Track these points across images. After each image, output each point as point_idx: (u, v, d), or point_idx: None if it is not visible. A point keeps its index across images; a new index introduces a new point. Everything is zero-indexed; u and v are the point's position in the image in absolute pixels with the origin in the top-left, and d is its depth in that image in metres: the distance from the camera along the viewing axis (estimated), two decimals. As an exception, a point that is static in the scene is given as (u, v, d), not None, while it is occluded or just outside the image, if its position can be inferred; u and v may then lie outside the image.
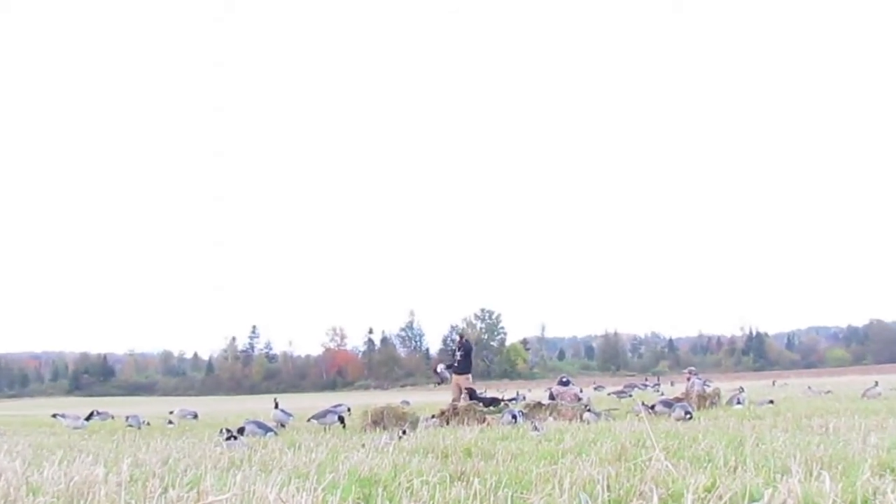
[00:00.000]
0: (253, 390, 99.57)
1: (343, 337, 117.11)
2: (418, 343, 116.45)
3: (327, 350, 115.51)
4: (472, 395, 13.10)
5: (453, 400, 12.77)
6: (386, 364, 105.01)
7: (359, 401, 35.19)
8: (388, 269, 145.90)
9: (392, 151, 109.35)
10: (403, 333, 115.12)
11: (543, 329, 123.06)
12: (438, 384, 14.39)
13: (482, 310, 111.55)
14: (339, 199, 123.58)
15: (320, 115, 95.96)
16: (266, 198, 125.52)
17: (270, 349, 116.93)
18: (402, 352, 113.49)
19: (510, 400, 18.23)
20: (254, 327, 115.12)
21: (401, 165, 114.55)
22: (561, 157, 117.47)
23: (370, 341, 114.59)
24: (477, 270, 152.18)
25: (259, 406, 30.56)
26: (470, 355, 13.59)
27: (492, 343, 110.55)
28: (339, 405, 15.66)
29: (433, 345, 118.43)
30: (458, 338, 14.10)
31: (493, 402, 13.30)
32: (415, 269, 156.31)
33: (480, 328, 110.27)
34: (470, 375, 13.50)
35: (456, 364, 13.63)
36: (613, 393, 18.59)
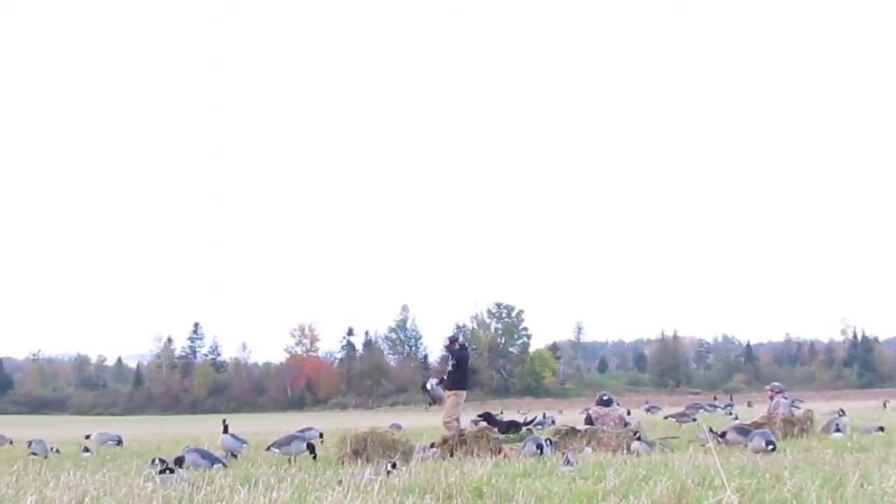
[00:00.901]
0: (195, 408, 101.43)
1: (314, 339, 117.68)
2: (414, 348, 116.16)
3: (293, 357, 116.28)
4: (488, 418, 13.15)
5: (445, 423, 12.87)
6: (370, 375, 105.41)
7: (334, 424, 35.55)
8: (375, 253, 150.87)
9: (395, 141, 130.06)
10: (394, 335, 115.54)
11: (579, 331, 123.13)
12: (430, 405, 14.43)
13: (498, 305, 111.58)
14: (324, 184, 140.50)
15: (319, 112, 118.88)
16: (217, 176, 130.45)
17: (218, 355, 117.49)
18: (391, 359, 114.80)
19: (535, 424, 18.35)
20: (196, 326, 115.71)
21: (402, 155, 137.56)
22: (595, 145, 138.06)
23: (349, 345, 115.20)
24: (491, 258, 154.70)
25: (203, 429, 30.89)
26: (464, 365, 13.56)
27: (510, 349, 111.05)
28: (309, 429, 15.79)
29: (434, 350, 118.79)
30: (447, 341, 13.99)
31: (512, 427, 13.36)
32: (410, 254, 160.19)
33: (496, 329, 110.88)
34: (463, 392, 13.45)
35: (446, 376, 13.71)
36: (672, 416, 18.69)
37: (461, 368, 13.36)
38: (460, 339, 13.78)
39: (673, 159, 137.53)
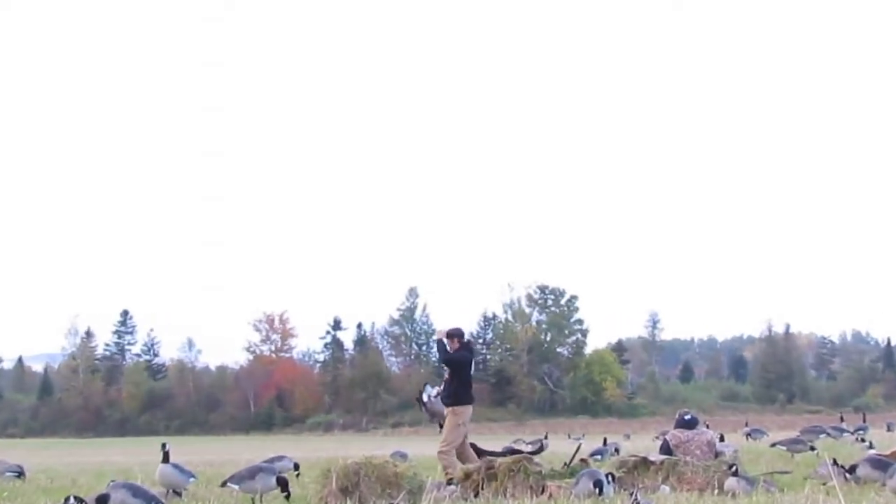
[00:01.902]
0: (124, 428, 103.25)
1: (287, 335, 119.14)
2: (424, 347, 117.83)
3: (257, 359, 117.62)
4: (477, 451, 13.25)
5: (440, 454, 12.95)
6: (364, 385, 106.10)
7: (315, 451, 35.85)
8: (370, 220, 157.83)
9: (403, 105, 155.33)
10: (397, 330, 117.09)
11: (654, 325, 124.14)
12: (431, 420, 14.63)
13: (542, 290, 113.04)
14: (302, 144, 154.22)
15: (318, 111, 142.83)
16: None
17: (155, 355, 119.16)
18: (394, 363, 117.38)
19: (595, 455, 18.46)
20: (124, 316, 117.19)
21: (412, 120, 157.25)
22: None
23: (335, 342, 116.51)
24: (531, 230, 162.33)
25: (135, 457, 31.37)
26: (464, 371, 13.55)
27: (559, 350, 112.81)
28: (279, 458, 15.96)
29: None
30: (443, 336, 13.90)
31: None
32: (419, 224, 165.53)
33: (538, 322, 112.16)
34: (466, 409, 13.44)
35: (441, 387, 13.79)
36: (781, 443, 18.72)
37: (460, 376, 13.29)
38: (464, 334, 13.61)
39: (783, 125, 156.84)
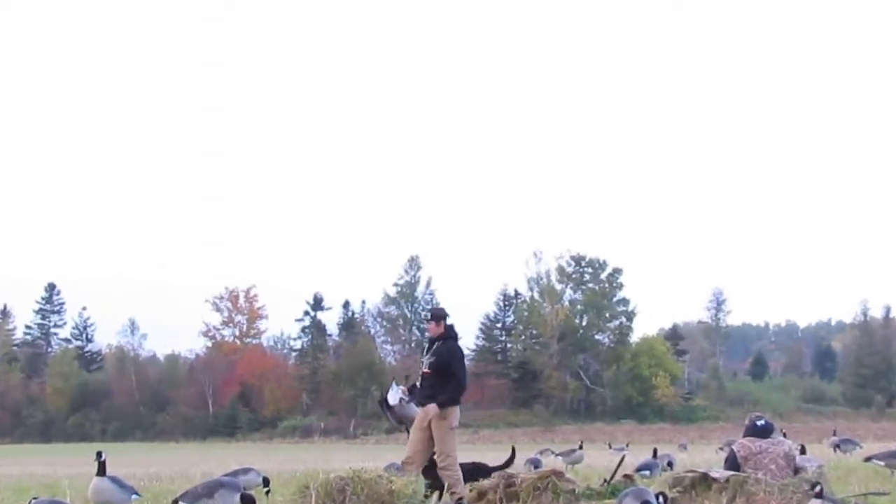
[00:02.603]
0: (49, 432, 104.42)
1: (255, 315, 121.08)
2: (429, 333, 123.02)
3: (217, 346, 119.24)
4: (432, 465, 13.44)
5: (405, 462, 13.20)
6: (352, 380, 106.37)
7: (290, 463, 35.77)
8: (366, 178, 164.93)
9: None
10: (393, 310, 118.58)
11: (719, 307, 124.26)
12: (399, 427, 14.89)
13: (577, 261, 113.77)
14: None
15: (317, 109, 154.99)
16: None
17: (89, 340, 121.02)
18: (390, 352, 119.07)
19: (643, 471, 18.47)
20: (50, 290, 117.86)
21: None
22: None
23: (316, 325, 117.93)
24: (561, 191, 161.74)
25: (63, 468, 31.57)
26: (454, 363, 13.77)
27: (597, 336, 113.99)
28: (245, 471, 16.01)
29: (466, 333, 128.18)
30: (428, 318, 14.25)
31: (478, 474, 13.69)
32: (424, 182, 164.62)
33: (572, 302, 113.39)
34: (455, 410, 13.59)
35: (419, 382, 14.00)
36: (878, 457, 18.73)
37: (447, 370, 13.49)
38: (447, 316, 13.75)
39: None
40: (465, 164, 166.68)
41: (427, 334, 14.09)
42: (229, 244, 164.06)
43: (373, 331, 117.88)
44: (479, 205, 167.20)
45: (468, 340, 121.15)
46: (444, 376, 13.35)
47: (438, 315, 13.77)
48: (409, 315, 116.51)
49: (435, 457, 13.21)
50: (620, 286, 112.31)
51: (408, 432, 13.76)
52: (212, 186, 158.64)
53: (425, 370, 13.49)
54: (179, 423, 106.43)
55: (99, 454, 12.44)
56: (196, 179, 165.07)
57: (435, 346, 13.49)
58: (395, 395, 13.84)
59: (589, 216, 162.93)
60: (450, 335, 13.65)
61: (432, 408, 13.16)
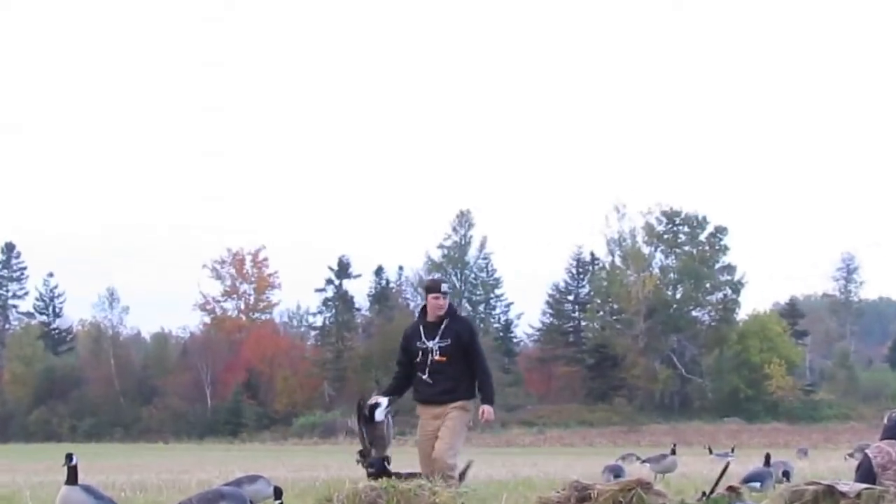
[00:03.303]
0: (7, 430, 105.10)
1: (264, 285, 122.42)
2: (486, 306, 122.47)
3: (216, 322, 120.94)
4: (374, 465, 13.37)
5: (447, 460, 13.24)
6: (386, 366, 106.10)
7: (307, 468, 35.77)
8: (402, 118, 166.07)
9: None
10: (441, 276, 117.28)
11: (849, 276, 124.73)
12: (370, 443, 14.40)
13: (670, 217, 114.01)
14: None
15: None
16: None
17: (57, 315, 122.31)
18: None
19: (752, 482, 18.41)
20: (9, 250, 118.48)
21: None
22: None
23: (342, 297, 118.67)
24: (646, 124, 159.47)
25: (24, 475, 31.93)
26: (478, 344, 14.04)
27: (695, 313, 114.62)
28: (252, 479, 16.06)
29: (529, 307, 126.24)
30: (434, 296, 14.12)
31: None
32: (475, 122, 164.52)
33: (662, 270, 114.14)
34: (470, 404, 13.82)
35: (425, 373, 13.87)
36: None
37: (474, 351, 13.87)
38: (443, 285, 14.26)
39: None
40: (525, 96, 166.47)
41: (437, 312, 13.68)
42: (233, 199, 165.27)
43: (412, 304, 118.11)
44: (545, 147, 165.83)
45: (531, 317, 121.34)
46: (465, 362, 13.63)
47: (432, 284, 14.39)
48: (458, 284, 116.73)
49: (439, 453, 13.26)
50: (724, 249, 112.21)
51: (370, 444, 13.71)
52: (212, 130, 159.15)
53: (437, 357, 13.59)
54: (170, 419, 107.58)
55: (69, 457, 12.50)
56: (193, 120, 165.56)
57: (445, 326, 13.67)
58: (383, 411, 13.83)
59: (684, 161, 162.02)
60: (455, 312, 14.04)
61: (489, 411, 13.49)
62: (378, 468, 12.92)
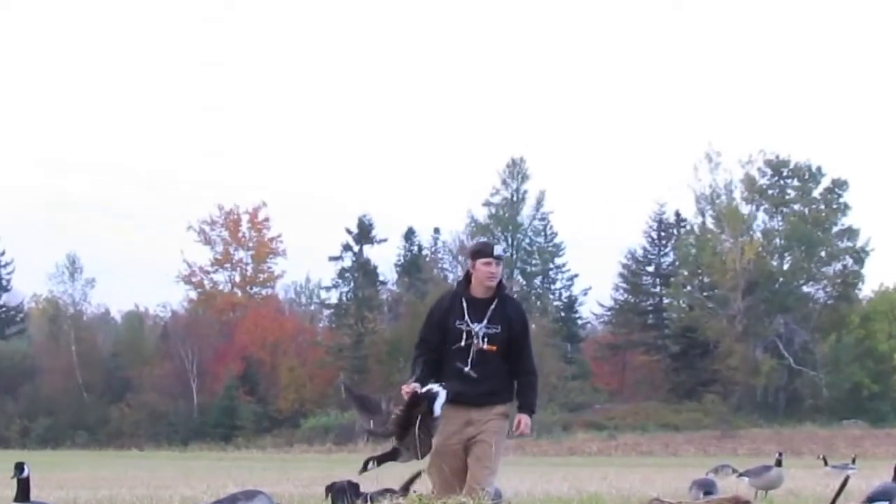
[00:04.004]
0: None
1: (264, 251, 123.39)
2: (540, 279, 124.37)
3: (205, 297, 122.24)
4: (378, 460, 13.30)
5: (488, 480, 13.11)
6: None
7: (321, 482, 35.87)
8: (434, 46, 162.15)
9: None
10: (495, 230, 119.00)
11: None
12: (403, 454, 14.17)
13: (773, 166, 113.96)
14: None
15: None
16: None
17: (5, 288, 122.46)
18: None
19: (874, 501, 18.33)
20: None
21: None
22: None
23: (361, 267, 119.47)
24: (741, 55, 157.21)
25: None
26: (528, 334, 13.90)
27: (806, 289, 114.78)
28: (249, 496, 16.16)
29: (598, 281, 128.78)
30: (486, 261, 13.69)
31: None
32: (527, 50, 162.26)
33: (766, 234, 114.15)
34: (504, 409, 13.69)
35: (471, 368, 13.53)
36: None
37: (525, 342, 13.74)
38: (497, 248, 13.62)
39: None
40: (590, 13, 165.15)
41: (488, 284, 13.39)
42: (227, 144, 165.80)
43: (451, 276, 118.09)
44: (618, 79, 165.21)
45: (601, 293, 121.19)
46: (514, 357, 13.48)
47: (500, 251, 13.71)
48: (509, 248, 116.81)
49: (480, 480, 13.13)
50: (844, 209, 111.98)
51: (396, 453, 13.56)
52: (202, 64, 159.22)
53: (484, 346, 13.41)
54: (146, 420, 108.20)
55: (19, 468, 12.60)
56: (180, 55, 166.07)
57: (495, 308, 13.39)
58: (441, 405, 13.54)
59: (793, 97, 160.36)
60: (505, 289, 13.80)
61: (527, 423, 13.33)
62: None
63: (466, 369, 13.20)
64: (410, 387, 13.05)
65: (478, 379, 13.20)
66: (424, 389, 12.97)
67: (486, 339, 13.21)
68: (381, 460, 13.06)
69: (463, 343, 13.23)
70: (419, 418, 12.82)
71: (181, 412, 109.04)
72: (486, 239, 17.98)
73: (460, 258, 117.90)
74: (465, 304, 13.37)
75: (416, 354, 13.74)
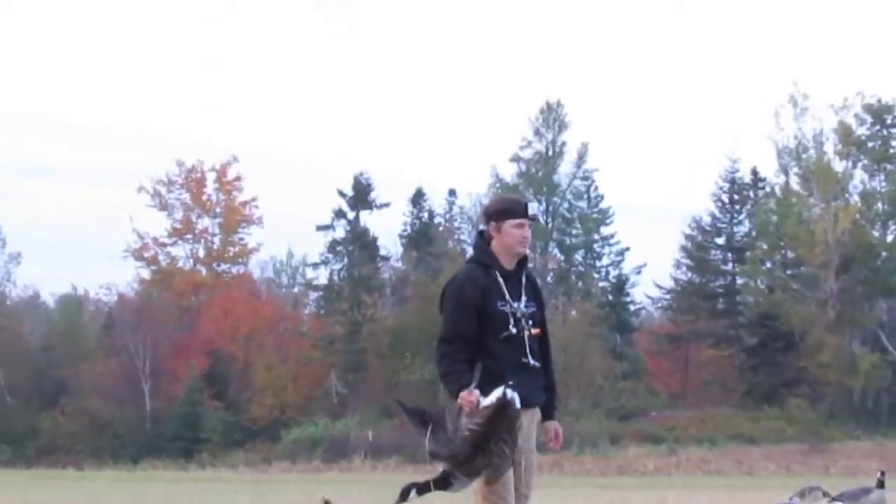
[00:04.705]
0: None
1: (234, 218, 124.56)
2: (581, 253, 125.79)
3: (161, 276, 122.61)
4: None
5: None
6: (429, 346, 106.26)
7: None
8: None
9: None
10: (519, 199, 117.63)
11: None
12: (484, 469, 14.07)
13: (872, 110, 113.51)
14: None
15: None
16: None
17: None
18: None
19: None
20: None
21: None
22: None
23: (359, 239, 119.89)
24: None
25: None
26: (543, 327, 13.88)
27: None
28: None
29: (652, 256, 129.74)
30: (520, 222, 13.61)
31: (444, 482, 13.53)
32: None
33: (865, 197, 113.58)
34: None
35: (532, 359, 13.45)
36: None
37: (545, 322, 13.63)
38: (531, 206, 13.65)
39: None
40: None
41: (521, 250, 13.32)
42: (187, 86, 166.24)
43: (470, 250, 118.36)
44: (677, 6, 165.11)
45: (659, 271, 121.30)
46: (546, 341, 13.51)
47: (534, 211, 13.85)
48: (543, 216, 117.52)
49: (530, 484, 13.26)
50: None
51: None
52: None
53: (532, 330, 13.35)
54: (86, 432, 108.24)
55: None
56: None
57: (526, 279, 13.44)
58: (508, 397, 13.47)
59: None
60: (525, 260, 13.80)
61: (560, 432, 13.30)
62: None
63: (528, 361, 13.03)
64: (473, 395, 12.60)
65: (536, 372, 13.15)
66: (498, 395, 12.49)
67: (532, 320, 13.13)
68: (423, 489, 12.68)
69: (513, 329, 12.95)
70: (497, 433, 12.49)
71: (130, 421, 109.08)
72: (513, 195, 17.77)
73: (482, 227, 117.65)
74: (501, 280, 13.14)
75: (454, 351, 13.05)
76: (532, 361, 12.98)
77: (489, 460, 12.28)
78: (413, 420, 13.20)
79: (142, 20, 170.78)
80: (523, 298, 13.01)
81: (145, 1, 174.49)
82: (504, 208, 13.47)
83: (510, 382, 12.44)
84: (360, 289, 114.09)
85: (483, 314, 12.80)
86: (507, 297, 12.91)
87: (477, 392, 12.48)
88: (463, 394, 12.52)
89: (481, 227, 13.62)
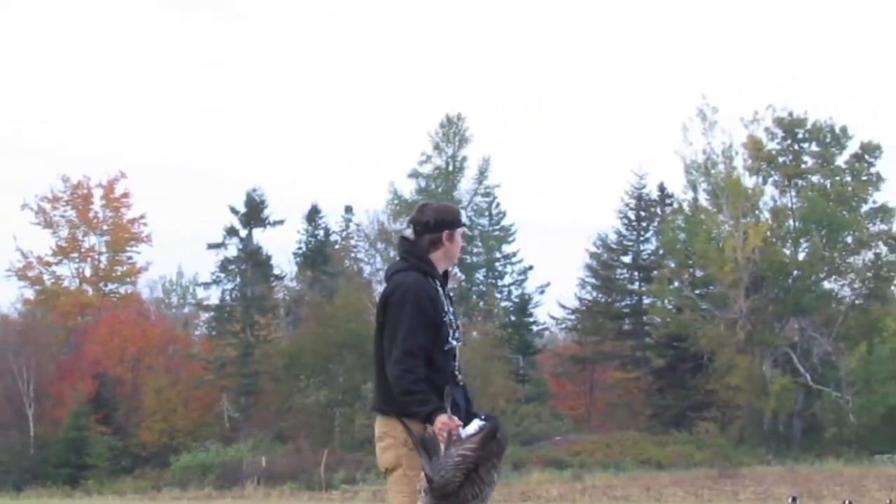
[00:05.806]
0: None
1: (122, 236, 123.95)
2: (482, 273, 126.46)
3: (44, 297, 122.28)
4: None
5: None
6: (325, 369, 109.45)
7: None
8: None
9: None
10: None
11: None
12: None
13: (783, 124, 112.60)
14: None
15: None
16: None
17: None
18: None
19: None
20: None
21: None
22: None
23: (252, 257, 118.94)
24: None
25: None
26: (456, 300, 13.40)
27: (827, 284, 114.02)
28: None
29: (556, 275, 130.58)
30: (460, 230, 13.35)
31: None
32: None
33: (777, 213, 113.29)
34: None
35: (461, 375, 13.16)
36: None
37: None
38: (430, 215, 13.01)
39: None
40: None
41: (455, 262, 13.03)
42: (76, 99, 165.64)
43: (368, 269, 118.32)
44: (579, 14, 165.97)
45: (563, 290, 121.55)
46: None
47: (442, 222, 13.49)
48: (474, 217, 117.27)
49: None
50: (877, 181, 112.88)
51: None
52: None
53: (459, 342, 13.07)
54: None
55: None
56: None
57: (448, 291, 13.09)
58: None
59: (809, 41, 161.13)
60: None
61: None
62: None
63: (460, 377, 12.89)
64: (455, 421, 12.14)
65: (463, 386, 12.99)
66: (479, 424, 12.17)
67: (458, 334, 12.92)
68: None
69: (453, 342, 12.79)
70: (488, 460, 12.17)
71: (13, 447, 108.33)
72: (450, 203, 17.56)
73: (379, 245, 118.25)
74: (440, 289, 12.83)
75: (418, 366, 12.45)
76: (460, 375, 12.80)
77: (479, 489, 12.03)
78: (417, 446, 12.97)
79: (21, 22, 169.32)
80: (450, 309, 12.82)
81: (24, 4, 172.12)
82: (455, 217, 13.14)
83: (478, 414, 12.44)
84: (252, 309, 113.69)
85: (438, 325, 12.51)
86: (446, 307, 12.73)
87: (456, 418, 12.18)
88: (444, 419, 12.13)
89: (407, 233, 12.95)
